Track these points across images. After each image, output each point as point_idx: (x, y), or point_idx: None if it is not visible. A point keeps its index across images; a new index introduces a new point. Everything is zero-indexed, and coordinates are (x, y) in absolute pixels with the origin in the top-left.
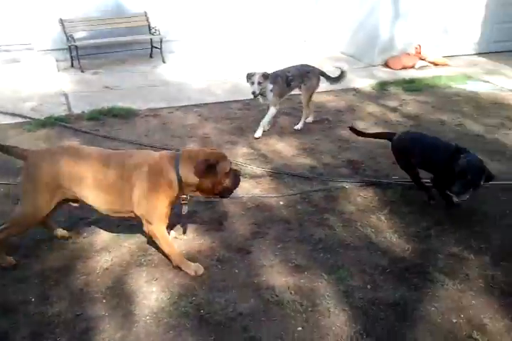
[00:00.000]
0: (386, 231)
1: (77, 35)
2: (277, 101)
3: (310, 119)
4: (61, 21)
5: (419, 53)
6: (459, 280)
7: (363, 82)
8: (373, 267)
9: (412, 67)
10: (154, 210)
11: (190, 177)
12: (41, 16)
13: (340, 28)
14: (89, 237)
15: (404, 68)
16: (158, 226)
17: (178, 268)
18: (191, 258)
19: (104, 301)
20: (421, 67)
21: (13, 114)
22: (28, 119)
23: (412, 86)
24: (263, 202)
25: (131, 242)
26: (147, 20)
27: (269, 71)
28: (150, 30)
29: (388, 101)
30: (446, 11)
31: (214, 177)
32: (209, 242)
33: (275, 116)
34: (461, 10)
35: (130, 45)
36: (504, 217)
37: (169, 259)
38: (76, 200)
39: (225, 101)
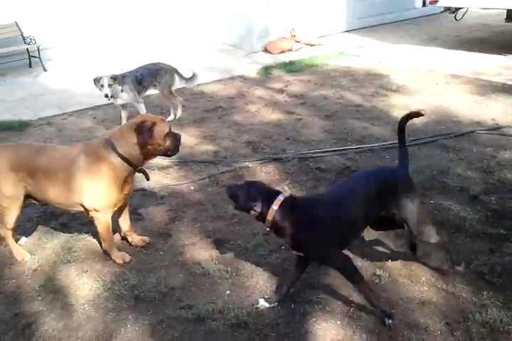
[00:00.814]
0: None
1: None
2: (136, 97)
3: (179, 112)
4: None
5: (294, 36)
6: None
7: (248, 69)
8: None
9: (290, 50)
10: (102, 197)
11: (132, 150)
12: None
13: (218, 20)
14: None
15: (283, 52)
16: (104, 213)
17: (106, 253)
18: (116, 248)
19: (39, 298)
20: (298, 49)
21: None
22: None
23: (293, 67)
24: (175, 190)
25: (54, 243)
26: (20, 29)
27: (117, 73)
28: (24, 39)
29: (274, 83)
30: None
31: (152, 139)
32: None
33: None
34: None
35: (6, 57)
36: None
37: (101, 244)
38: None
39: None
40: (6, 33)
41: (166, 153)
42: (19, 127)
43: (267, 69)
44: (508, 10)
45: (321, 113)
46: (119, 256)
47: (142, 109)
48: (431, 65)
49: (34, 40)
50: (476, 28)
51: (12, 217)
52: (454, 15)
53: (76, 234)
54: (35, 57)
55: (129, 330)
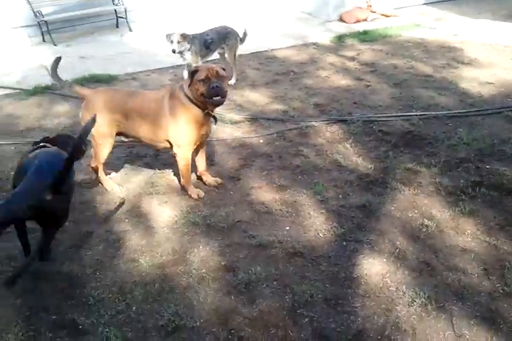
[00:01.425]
0: (352, 156)
1: (45, 10)
2: (196, 60)
3: (233, 81)
4: None
5: (370, 6)
6: (414, 187)
7: (322, 37)
8: (343, 182)
9: (365, 20)
10: (183, 134)
11: (191, 93)
12: None
13: None
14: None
15: (358, 21)
16: (184, 150)
17: (184, 189)
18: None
19: (126, 220)
20: (373, 20)
21: (1, 87)
22: (17, 90)
23: (366, 37)
24: (245, 142)
25: (138, 178)
26: None
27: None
28: (113, 1)
29: (346, 51)
30: None
31: (191, 83)
32: None
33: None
34: None
35: (96, 17)
36: (450, 139)
37: (179, 181)
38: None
39: None
40: None
41: (204, 98)
42: (108, 80)
43: (340, 38)
44: None
45: (389, 81)
46: (195, 192)
47: None
48: (507, 40)
49: (122, 1)
50: None
51: (105, 152)
52: None
53: (158, 172)
54: (122, 17)
55: (201, 250)
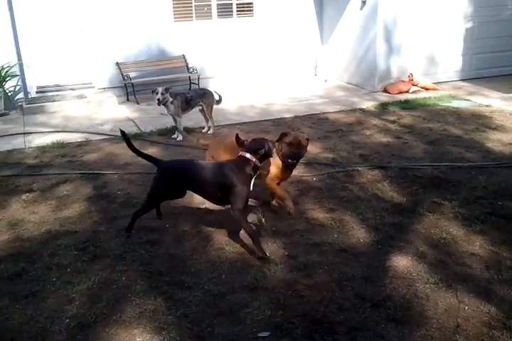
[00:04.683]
0: (388, 191)
1: (131, 74)
2: (179, 112)
3: (211, 131)
4: (117, 64)
5: (412, 80)
6: (437, 214)
7: (367, 104)
8: (380, 208)
9: (407, 91)
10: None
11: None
12: (99, 60)
13: (345, 62)
14: None
15: (401, 93)
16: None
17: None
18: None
19: (212, 224)
20: (414, 92)
21: (99, 133)
22: (112, 136)
23: (407, 105)
24: (301, 179)
25: None
26: (185, 61)
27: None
28: (188, 69)
29: (388, 116)
30: (433, 44)
31: (280, 143)
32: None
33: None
34: (445, 43)
35: (173, 82)
36: (471, 183)
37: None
38: None
39: (258, 120)
40: (175, 63)
41: (283, 157)
42: (186, 131)
43: (383, 105)
44: None
45: (424, 139)
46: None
47: (180, 122)
48: None
49: (196, 70)
50: None
51: None
52: None
53: None
54: (194, 83)
55: (270, 246)
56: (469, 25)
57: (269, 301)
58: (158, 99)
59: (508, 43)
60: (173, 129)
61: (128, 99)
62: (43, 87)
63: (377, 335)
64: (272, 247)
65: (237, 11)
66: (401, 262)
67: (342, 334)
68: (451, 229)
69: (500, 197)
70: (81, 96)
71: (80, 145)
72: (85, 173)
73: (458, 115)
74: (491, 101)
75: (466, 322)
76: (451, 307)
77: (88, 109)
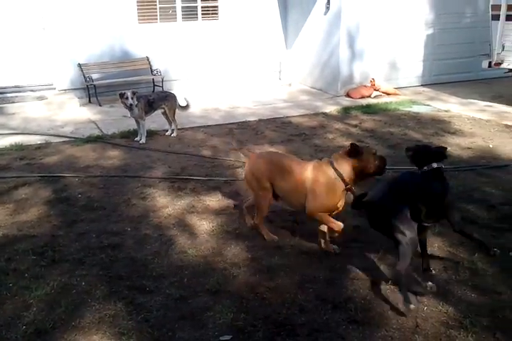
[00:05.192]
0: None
1: (94, 76)
2: (142, 115)
3: (174, 134)
4: (79, 65)
5: (374, 85)
6: None
7: (330, 108)
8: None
9: (369, 96)
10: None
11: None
12: (60, 61)
13: (309, 67)
14: None
15: (363, 97)
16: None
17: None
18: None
19: (174, 229)
20: (376, 96)
21: (59, 136)
22: (73, 138)
23: (368, 110)
24: None
25: (181, 202)
26: (149, 63)
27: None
28: (152, 71)
29: (350, 120)
30: (394, 50)
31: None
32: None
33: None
34: (406, 49)
35: (136, 84)
36: None
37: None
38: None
39: (223, 124)
40: (139, 65)
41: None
42: (149, 134)
43: (346, 110)
44: None
45: (385, 143)
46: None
47: (144, 125)
48: (490, 116)
49: (160, 72)
50: None
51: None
52: None
53: (196, 198)
54: (158, 86)
55: (233, 248)
56: (430, 31)
57: (231, 304)
58: (131, 104)
59: (467, 50)
60: (135, 132)
61: (90, 101)
62: (2, 88)
63: (339, 337)
64: (234, 250)
65: (202, 13)
66: (362, 264)
67: (303, 337)
68: None
69: (458, 199)
70: (41, 98)
71: (39, 147)
72: (45, 176)
73: (418, 120)
74: (450, 106)
75: (424, 322)
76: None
77: (49, 110)
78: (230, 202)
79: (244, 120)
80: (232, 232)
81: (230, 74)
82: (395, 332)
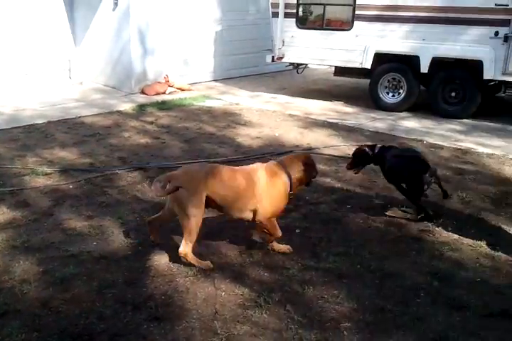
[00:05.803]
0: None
1: None
2: None
3: None
4: None
5: (168, 81)
6: None
7: (125, 106)
8: (140, 210)
9: (164, 92)
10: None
11: (298, 175)
12: None
13: (100, 64)
14: None
15: (158, 94)
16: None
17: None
18: None
19: None
20: (170, 93)
21: None
22: None
23: (164, 106)
24: (57, 189)
25: None
26: None
27: None
28: None
29: (146, 117)
30: (186, 46)
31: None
32: None
33: None
34: (198, 45)
35: None
36: None
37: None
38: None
39: (6, 128)
40: None
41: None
42: None
43: (141, 107)
44: (335, 67)
45: (181, 138)
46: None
47: None
48: (275, 107)
49: None
50: (320, 82)
51: None
52: (296, 70)
53: None
54: None
55: (22, 264)
56: (219, 28)
57: (22, 325)
58: None
59: (253, 46)
60: None
61: None
62: None
63: (140, 337)
64: (24, 266)
65: None
66: (162, 260)
67: None
68: None
69: None
70: None
71: None
72: None
73: (211, 114)
74: (240, 99)
75: (223, 307)
76: (209, 295)
77: None
78: (16, 214)
79: (31, 123)
80: (20, 246)
81: (13, 74)
82: (196, 322)
